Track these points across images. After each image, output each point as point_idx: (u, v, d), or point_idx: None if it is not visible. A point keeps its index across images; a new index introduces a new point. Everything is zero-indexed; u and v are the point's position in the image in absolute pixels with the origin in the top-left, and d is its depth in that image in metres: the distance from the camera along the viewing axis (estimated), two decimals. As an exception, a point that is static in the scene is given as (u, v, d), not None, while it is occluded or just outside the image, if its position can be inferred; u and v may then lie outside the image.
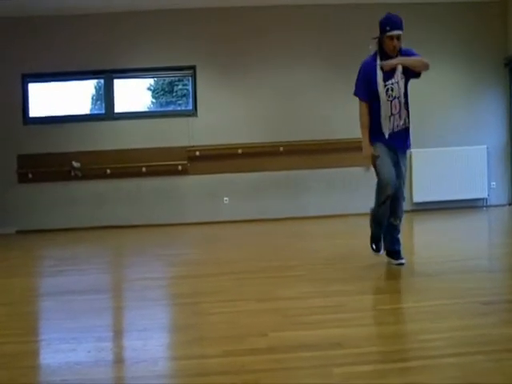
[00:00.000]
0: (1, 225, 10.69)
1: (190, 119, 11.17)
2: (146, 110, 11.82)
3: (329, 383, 2.76)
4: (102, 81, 11.34)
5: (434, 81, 11.31)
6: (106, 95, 11.30)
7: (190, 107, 11.33)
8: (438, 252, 6.51)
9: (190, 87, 11.41)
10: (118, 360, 3.34)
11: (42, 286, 6.03)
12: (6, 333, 3.91)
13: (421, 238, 8.21)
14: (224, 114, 11.11)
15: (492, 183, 11.37)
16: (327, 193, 11.08)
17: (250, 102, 11.15)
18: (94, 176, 10.92)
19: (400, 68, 5.50)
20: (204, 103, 11.18)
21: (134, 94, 11.71)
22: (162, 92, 12.04)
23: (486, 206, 11.30)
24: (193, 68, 11.22)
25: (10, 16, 10.67)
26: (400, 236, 5.64)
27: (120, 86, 11.39)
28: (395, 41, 5.47)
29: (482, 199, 11.35)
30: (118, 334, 3.91)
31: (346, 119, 10.96)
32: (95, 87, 11.72)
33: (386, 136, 5.53)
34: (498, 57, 11.41)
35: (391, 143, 5.55)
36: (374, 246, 5.74)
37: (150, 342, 3.58)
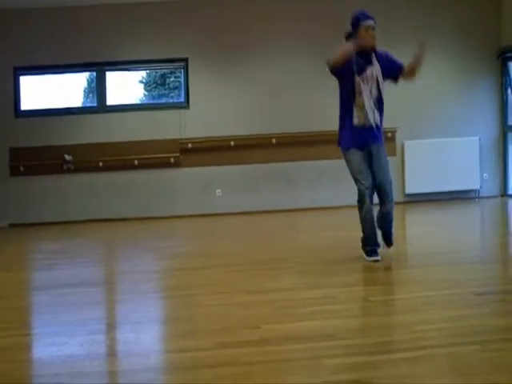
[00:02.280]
0: (-7, 218, 10.68)
1: (182, 111, 11.15)
2: (138, 102, 11.79)
3: (321, 374, 2.76)
4: (94, 73, 11.31)
5: (426, 72, 11.27)
6: (98, 88, 11.26)
7: (182, 99, 11.31)
8: (430, 243, 6.52)
9: (182, 79, 11.39)
10: (111, 353, 3.34)
11: (34, 279, 6.02)
12: (-2, 326, 3.91)
13: (413, 230, 8.22)
14: (216, 107, 11.10)
15: (484, 174, 11.38)
16: (319, 185, 11.08)
17: (242, 94, 11.13)
18: (87, 169, 10.89)
19: (373, 69, 5.49)
20: (196, 95, 11.15)
21: (126, 87, 11.68)
22: (154, 84, 12.01)
23: (478, 198, 11.31)
24: (185, 60, 11.19)
25: (0, 8, 10.61)
26: (392, 229, 5.58)
27: (112, 78, 11.35)
28: (370, 31, 5.52)
29: (474, 190, 11.37)
30: (110, 327, 3.91)
31: (336, 112, 10.95)
32: (87, 80, 11.68)
33: (357, 126, 5.52)
34: (490, 48, 11.41)
35: (363, 139, 5.52)
36: (366, 249, 5.55)
37: (143, 334, 3.57)
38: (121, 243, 8.39)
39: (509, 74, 11.43)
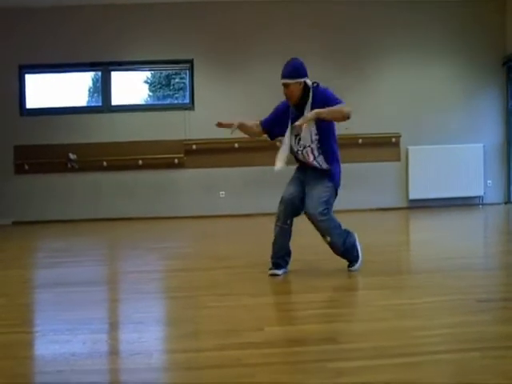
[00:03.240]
0: (-3, 216, 10.71)
1: (187, 112, 11.18)
2: (143, 102, 11.81)
3: (322, 378, 2.77)
4: (100, 73, 11.34)
5: (431, 78, 11.34)
6: (103, 87, 11.29)
7: (187, 101, 11.33)
8: (433, 249, 6.52)
9: (187, 81, 11.41)
10: (113, 352, 3.34)
11: (37, 277, 6.03)
12: (1, 323, 3.91)
13: (416, 235, 8.22)
14: (221, 108, 11.10)
15: (488, 181, 11.39)
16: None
17: (247, 96, 11.15)
18: (91, 168, 10.92)
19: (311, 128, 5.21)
20: (201, 97, 11.18)
21: (131, 87, 11.70)
22: (159, 85, 12.04)
23: (482, 204, 11.32)
24: (190, 62, 11.22)
25: (7, 7, 10.65)
26: (347, 243, 5.39)
27: (117, 78, 11.38)
28: (285, 89, 5.26)
29: (478, 197, 11.38)
30: (113, 326, 3.91)
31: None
32: (92, 79, 11.71)
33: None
34: (495, 55, 11.42)
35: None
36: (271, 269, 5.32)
37: (146, 334, 3.58)
38: (124, 243, 8.39)
39: (514, 82, 11.44)
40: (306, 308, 4.05)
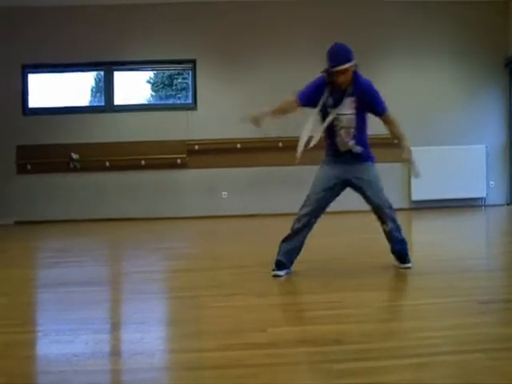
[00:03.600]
0: (-1, 215, 10.72)
1: (190, 113, 11.18)
2: (146, 102, 11.81)
3: (327, 379, 2.76)
4: (102, 73, 11.35)
5: (434, 79, 11.34)
6: (105, 87, 11.30)
7: (190, 101, 11.34)
8: (436, 250, 6.52)
9: (189, 81, 11.42)
10: (116, 352, 3.34)
11: (40, 277, 6.03)
12: (3, 323, 3.90)
13: (419, 237, 8.21)
14: (223, 108, 11.12)
15: (490, 183, 11.39)
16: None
17: (249, 96, 11.14)
18: (93, 168, 10.93)
19: (349, 101, 5.19)
20: (203, 97, 11.18)
21: (133, 87, 11.70)
22: (161, 85, 12.04)
23: (485, 206, 11.31)
24: (193, 62, 11.23)
25: (10, 6, 10.66)
26: (403, 234, 5.49)
27: (120, 78, 11.38)
28: (340, 76, 5.15)
29: (481, 198, 11.37)
30: (115, 326, 3.90)
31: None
32: (95, 79, 11.72)
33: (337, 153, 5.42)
34: (498, 57, 11.42)
35: (341, 160, 5.40)
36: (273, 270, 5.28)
37: (148, 334, 3.57)
38: (126, 243, 8.39)
39: (516, 83, 11.44)
40: (310, 309, 4.05)
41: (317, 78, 5.43)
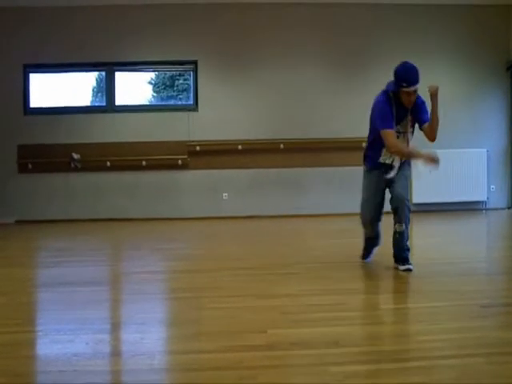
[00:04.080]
0: (0, 215, 10.70)
1: (191, 114, 11.17)
2: (147, 103, 11.81)
3: (325, 382, 2.76)
4: (104, 73, 11.35)
5: (435, 82, 11.31)
6: (107, 87, 11.29)
7: (191, 102, 11.33)
8: (436, 254, 6.52)
9: (191, 82, 11.41)
10: (116, 353, 3.34)
11: (40, 276, 6.03)
12: (4, 323, 3.91)
13: (420, 240, 8.21)
14: (225, 110, 11.12)
15: (491, 186, 11.38)
16: (327, 191, 11.09)
17: (251, 98, 11.15)
18: (94, 168, 10.92)
19: (409, 120, 5.56)
20: (205, 98, 11.17)
21: (135, 88, 11.70)
22: (162, 86, 12.03)
23: (485, 209, 11.31)
24: (194, 63, 11.22)
25: (11, 6, 10.66)
26: (408, 243, 5.56)
27: (121, 78, 11.38)
28: (412, 96, 5.35)
29: (482, 202, 11.36)
30: (116, 326, 3.91)
31: (346, 118, 11.00)
32: (96, 79, 11.71)
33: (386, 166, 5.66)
34: (499, 60, 11.41)
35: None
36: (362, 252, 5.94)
37: (148, 335, 3.58)
38: (127, 243, 8.39)
39: (518, 87, 11.44)
40: (310, 311, 4.05)
41: (381, 96, 5.60)
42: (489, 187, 11.33)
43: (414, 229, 9.48)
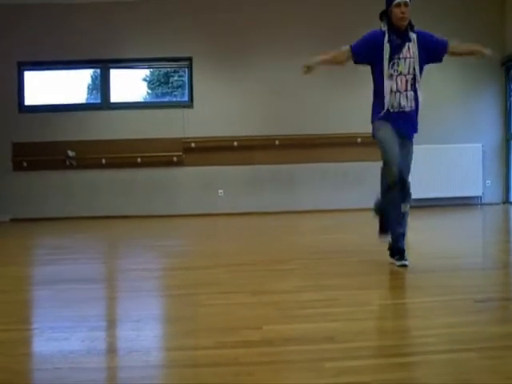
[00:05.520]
0: (-5, 212, 10.71)
1: (186, 110, 11.19)
2: (142, 100, 11.81)
3: (321, 377, 2.77)
4: (99, 70, 11.35)
5: (430, 78, 11.31)
6: (102, 85, 11.30)
7: (186, 98, 11.34)
8: (431, 249, 6.53)
9: (185, 78, 11.42)
10: (112, 350, 3.34)
11: (35, 274, 6.03)
12: (-1, 320, 3.91)
13: (415, 235, 8.20)
14: (220, 106, 11.13)
15: (487, 181, 11.41)
16: (322, 187, 11.11)
17: (246, 94, 11.16)
18: (89, 165, 10.93)
19: (411, 46, 5.27)
20: (200, 95, 11.18)
21: (129, 85, 11.70)
22: (157, 83, 12.03)
23: (481, 204, 11.34)
24: (189, 59, 11.23)
25: (5, 3, 10.65)
26: (406, 231, 5.56)
27: (116, 75, 11.38)
28: (402, 7, 5.19)
29: (477, 197, 11.39)
30: (111, 323, 3.91)
31: (341, 114, 11.01)
32: (91, 76, 11.71)
33: (390, 112, 5.27)
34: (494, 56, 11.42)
35: (396, 126, 5.26)
36: (381, 233, 5.52)
37: (144, 332, 3.57)
38: (123, 240, 8.39)
39: (513, 82, 11.46)
40: (305, 307, 4.05)
41: (370, 31, 5.50)
42: (484, 182, 11.36)
43: (409, 224, 9.49)
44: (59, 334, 3.52)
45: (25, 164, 10.87)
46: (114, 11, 10.98)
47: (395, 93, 5.27)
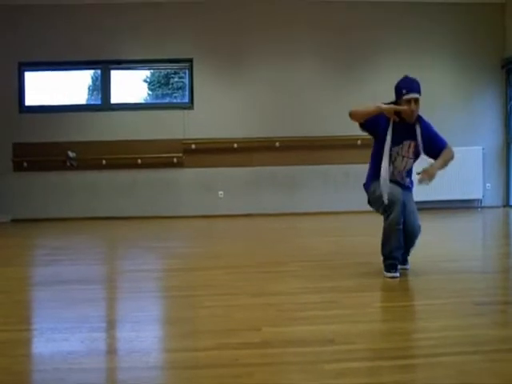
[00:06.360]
0: (-5, 213, 10.71)
1: (186, 112, 11.19)
2: (142, 101, 11.81)
3: (320, 379, 2.77)
4: (99, 71, 11.35)
5: (430, 81, 11.34)
6: (102, 86, 11.30)
7: (187, 100, 11.34)
8: (432, 252, 6.52)
9: (186, 80, 11.42)
10: (111, 350, 3.34)
11: (36, 275, 6.02)
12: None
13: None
14: (220, 108, 11.13)
15: (487, 184, 11.41)
16: (322, 189, 11.11)
17: (246, 96, 11.16)
18: (90, 166, 10.93)
19: (411, 145, 5.30)
20: (200, 96, 11.19)
21: (130, 86, 11.70)
22: (157, 84, 12.03)
23: (481, 207, 11.33)
24: (190, 61, 11.23)
25: (7, 4, 10.66)
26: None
27: (117, 76, 11.38)
28: (413, 104, 5.14)
29: (477, 200, 11.39)
30: (111, 324, 3.91)
31: (342, 116, 10.93)
32: (92, 77, 11.71)
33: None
34: (495, 58, 11.44)
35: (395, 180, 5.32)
36: (388, 270, 5.18)
37: (144, 333, 3.58)
38: (122, 242, 8.38)
39: (513, 85, 11.46)
40: (305, 309, 4.05)
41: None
42: (484, 185, 11.36)
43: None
44: (59, 335, 3.52)
45: (25, 164, 10.86)
46: (114, 12, 10.98)
47: (391, 174, 5.31)
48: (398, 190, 5.19)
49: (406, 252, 5.39)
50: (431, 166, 5.28)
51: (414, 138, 5.30)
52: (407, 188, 5.46)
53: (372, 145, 5.45)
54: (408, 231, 5.22)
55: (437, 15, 11.24)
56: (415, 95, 5.16)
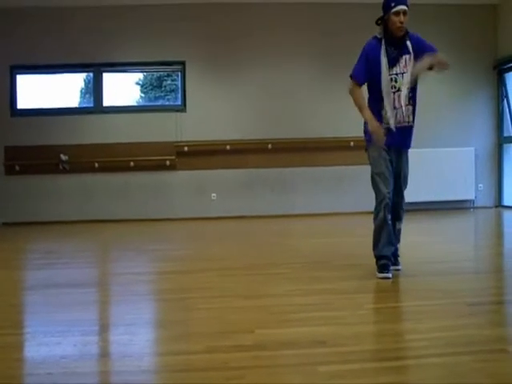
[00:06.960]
0: (-13, 217, 10.68)
1: (179, 114, 11.18)
2: (135, 104, 11.80)
3: (313, 381, 2.77)
4: (91, 74, 11.34)
5: (422, 82, 11.34)
6: (94, 88, 11.28)
7: (179, 102, 11.33)
8: (424, 253, 6.54)
9: (178, 82, 11.41)
10: (104, 354, 3.34)
11: (28, 278, 6.01)
12: (-9, 325, 3.90)
13: (407, 239, 8.19)
14: (213, 110, 11.13)
15: (479, 185, 11.43)
16: (315, 191, 11.11)
17: (239, 98, 11.16)
18: (82, 169, 10.91)
19: (408, 58, 5.19)
20: (193, 99, 11.18)
21: (122, 88, 11.69)
22: (150, 87, 12.02)
23: (473, 208, 11.36)
24: (182, 63, 11.22)
25: (-1, 7, 10.64)
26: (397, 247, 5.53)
27: (109, 79, 11.37)
28: (401, 16, 5.13)
29: (469, 201, 11.42)
30: (104, 328, 3.90)
31: (334, 118, 11.02)
32: (84, 80, 11.69)
33: (386, 130, 5.12)
34: (487, 59, 11.48)
35: (392, 142, 5.15)
36: (381, 270, 5.13)
37: (136, 336, 3.57)
38: (115, 244, 8.38)
39: (505, 85, 11.50)
40: (297, 311, 4.06)
41: (366, 45, 5.39)
42: (476, 186, 11.39)
43: (402, 228, 9.49)
44: (51, 339, 3.51)
45: (17, 168, 10.83)
46: (107, 15, 10.96)
47: (393, 109, 5.18)
48: (386, 173, 5.13)
49: (397, 240, 5.43)
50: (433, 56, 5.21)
51: (408, 52, 5.23)
52: (407, 133, 5.26)
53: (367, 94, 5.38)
54: (397, 198, 5.28)
55: (429, 16, 11.24)
56: (404, 7, 5.16)
